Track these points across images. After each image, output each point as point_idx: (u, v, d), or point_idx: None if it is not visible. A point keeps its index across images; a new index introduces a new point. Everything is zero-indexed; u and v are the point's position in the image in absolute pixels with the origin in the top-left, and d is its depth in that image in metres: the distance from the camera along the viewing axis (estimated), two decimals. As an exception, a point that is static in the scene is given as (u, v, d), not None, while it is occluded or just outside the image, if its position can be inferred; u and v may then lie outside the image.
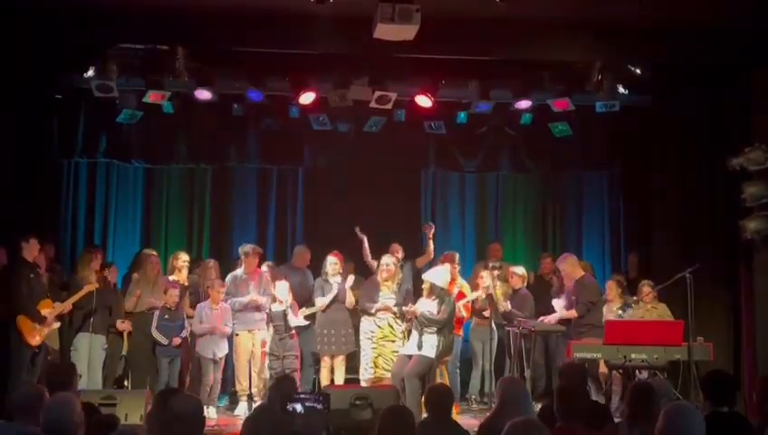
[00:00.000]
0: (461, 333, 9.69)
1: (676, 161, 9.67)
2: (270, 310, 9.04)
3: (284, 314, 8.90)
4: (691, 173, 9.47)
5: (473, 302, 9.63)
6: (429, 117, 10.04)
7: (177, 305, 8.96)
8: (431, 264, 9.60)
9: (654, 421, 3.90)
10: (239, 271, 9.24)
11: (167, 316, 8.86)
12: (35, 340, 8.00)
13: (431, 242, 9.72)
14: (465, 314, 9.50)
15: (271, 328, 9.12)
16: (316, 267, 9.68)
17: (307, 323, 9.29)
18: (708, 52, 8.47)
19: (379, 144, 10.38)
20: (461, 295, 9.44)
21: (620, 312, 9.11)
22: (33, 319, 7.98)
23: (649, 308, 9.01)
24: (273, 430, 3.91)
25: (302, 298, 9.42)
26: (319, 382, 9.22)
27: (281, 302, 8.96)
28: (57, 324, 8.35)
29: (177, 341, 8.82)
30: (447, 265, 9.07)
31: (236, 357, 9.07)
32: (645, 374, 8.54)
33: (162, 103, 9.41)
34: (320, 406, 5.44)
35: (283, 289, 9.02)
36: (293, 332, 9.01)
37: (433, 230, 9.73)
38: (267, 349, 8.99)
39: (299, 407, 5.40)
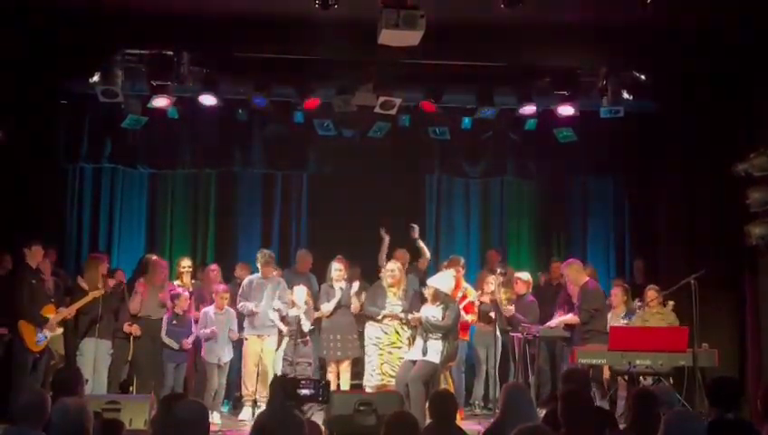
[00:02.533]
0: (468, 337, 9.68)
1: (680, 167, 9.65)
2: (287, 314, 9.06)
3: (298, 320, 8.92)
4: (696, 178, 9.45)
5: (479, 306, 9.61)
6: (434, 122, 10.04)
7: (186, 311, 8.98)
8: (436, 266, 9.61)
9: (655, 427, 3.89)
10: (256, 275, 9.26)
11: (175, 322, 8.88)
12: (37, 345, 8.00)
13: (421, 243, 9.70)
14: (470, 317, 9.46)
15: (284, 336, 9.16)
16: (321, 272, 9.68)
17: (311, 328, 9.30)
18: (712, 56, 8.46)
19: (384, 150, 10.38)
20: (465, 299, 9.44)
21: (625, 321, 9.08)
22: (35, 324, 7.99)
23: (654, 313, 8.99)
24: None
25: (306, 303, 9.46)
26: (324, 387, 9.21)
27: (298, 307, 8.99)
28: (60, 330, 8.36)
29: (187, 343, 8.82)
30: (451, 271, 9.06)
31: (244, 361, 9.10)
32: (649, 380, 8.51)
33: (167, 108, 9.43)
34: (321, 392, 5.52)
35: (300, 294, 9.04)
36: (307, 338, 9.04)
37: (417, 231, 9.67)
38: (282, 354, 9.04)
39: (303, 391, 5.49)
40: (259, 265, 9.25)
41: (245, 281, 9.29)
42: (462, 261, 9.76)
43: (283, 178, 11.43)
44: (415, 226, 9.74)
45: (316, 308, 9.32)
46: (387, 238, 9.43)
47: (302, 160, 10.95)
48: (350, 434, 7.24)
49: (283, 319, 9.07)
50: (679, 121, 9.62)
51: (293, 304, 9.06)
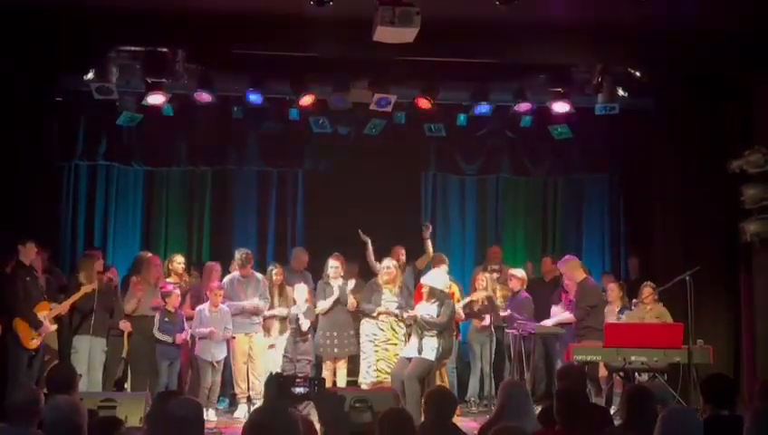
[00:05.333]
0: (458, 335, 9.69)
1: (675, 164, 9.67)
2: (289, 312, 9.14)
3: (296, 319, 8.95)
4: (691, 175, 9.47)
5: (471, 304, 9.62)
6: (429, 119, 10.04)
7: (177, 309, 8.96)
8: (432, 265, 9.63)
9: (650, 424, 3.90)
10: (236, 274, 9.26)
11: (167, 319, 8.85)
12: (32, 342, 7.99)
13: (429, 242, 9.72)
14: (461, 314, 9.52)
15: (274, 331, 9.19)
16: (317, 270, 9.68)
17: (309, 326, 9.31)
18: (708, 54, 8.47)
19: (379, 147, 10.39)
20: (452, 296, 9.45)
21: (621, 316, 9.10)
22: (30, 322, 7.98)
23: (648, 310, 9.00)
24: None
25: (302, 301, 9.45)
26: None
27: (298, 306, 9.06)
28: (54, 327, 8.34)
29: (180, 337, 8.82)
30: (445, 268, 9.06)
31: (233, 360, 9.11)
32: (644, 377, 8.53)
33: (162, 106, 9.41)
34: (314, 389, 5.54)
35: (300, 293, 9.12)
36: (307, 336, 9.06)
37: (430, 230, 9.71)
38: (282, 351, 9.10)
39: (298, 389, 5.49)
40: (237, 265, 9.25)
41: (226, 280, 9.28)
42: (445, 258, 9.76)
43: (279, 175, 11.40)
44: (429, 224, 9.74)
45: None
46: (368, 240, 9.40)
47: (298, 158, 10.97)
48: (345, 431, 7.23)
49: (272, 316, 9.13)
50: (675, 118, 9.64)
51: (293, 302, 9.10)
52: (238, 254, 9.27)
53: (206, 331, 8.88)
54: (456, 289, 9.58)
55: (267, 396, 5.66)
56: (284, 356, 9.04)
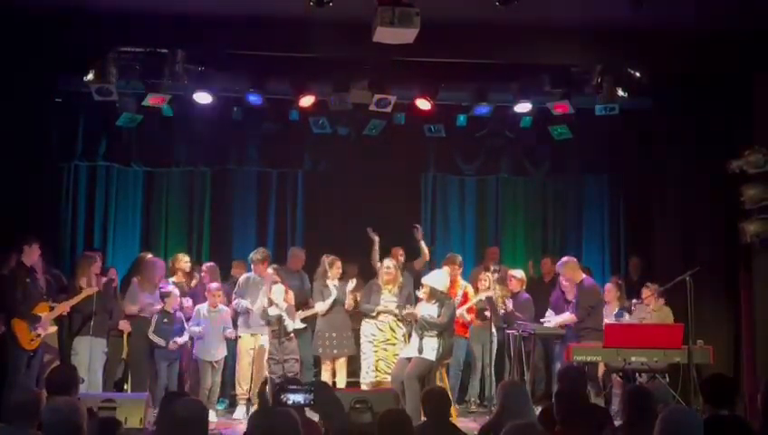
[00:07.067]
0: (468, 335, 9.71)
1: (675, 164, 9.67)
2: (267, 314, 9.02)
3: (280, 319, 8.89)
4: (691, 176, 9.47)
5: (478, 303, 9.62)
6: (429, 120, 10.03)
7: (177, 310, 8.95)
8: (430, 265, 9.63)
9: (650, 424, 3.90)
10: (252, 274, 9.25)
11: (165, 320, 8.84)
12: (31, 343, 7.99)
13: (422, 243, 9.73)
14: (469, 317, 9.53)
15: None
16: (315, 270, 9.67)
17: (304, 326, 9.29)
18: (708, 54, 8.47)
19: (379, 147, 10.38)
20: (465, 297, 9.46)
21: (620, 317, 9.09)
22: (28, 322, 7.98)
23: (650, 311, 9.00)
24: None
25: (300, 301, 9.40)
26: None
27: (277, 306, 8.96)
28: (54, 328, 8.34)
29: (173, 345, 8.79)
30: (446, 268, 9.06)
31: (238, 360, 9.10)
32: (644, 377, 8.53)
33: (162, 107, 9.41)
34: (310, 396, 5.51)
35: (278, 293, 9.01)
36: (291, 335, 9.02)
37: (421, 232, 9.72)
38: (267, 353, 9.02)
39: (292, 397, 5.45)
40: (253, 264, 9.24)
41: (242, 278, 9.29)
42: (459, 259, 9.77)
43: (279, 176, 11.41)
44: (419, 226, 9.76)
45: (299, 306, 9.30)
46: (376, 239, 9.44)
47: (297, 158, 10.96)
48: (345, 432, 7.22)
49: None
50: (675, 118, 9.63)
51: (271, 303, 9.07)
52: (255, 253, 9.27)
53: (197, 329, 8.86)
54: (470, 289, 9.59)
55: (262, 399, 5.57)
56: (271, 359, 8.87)
